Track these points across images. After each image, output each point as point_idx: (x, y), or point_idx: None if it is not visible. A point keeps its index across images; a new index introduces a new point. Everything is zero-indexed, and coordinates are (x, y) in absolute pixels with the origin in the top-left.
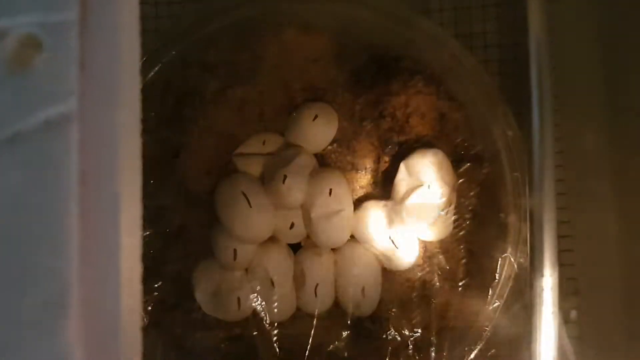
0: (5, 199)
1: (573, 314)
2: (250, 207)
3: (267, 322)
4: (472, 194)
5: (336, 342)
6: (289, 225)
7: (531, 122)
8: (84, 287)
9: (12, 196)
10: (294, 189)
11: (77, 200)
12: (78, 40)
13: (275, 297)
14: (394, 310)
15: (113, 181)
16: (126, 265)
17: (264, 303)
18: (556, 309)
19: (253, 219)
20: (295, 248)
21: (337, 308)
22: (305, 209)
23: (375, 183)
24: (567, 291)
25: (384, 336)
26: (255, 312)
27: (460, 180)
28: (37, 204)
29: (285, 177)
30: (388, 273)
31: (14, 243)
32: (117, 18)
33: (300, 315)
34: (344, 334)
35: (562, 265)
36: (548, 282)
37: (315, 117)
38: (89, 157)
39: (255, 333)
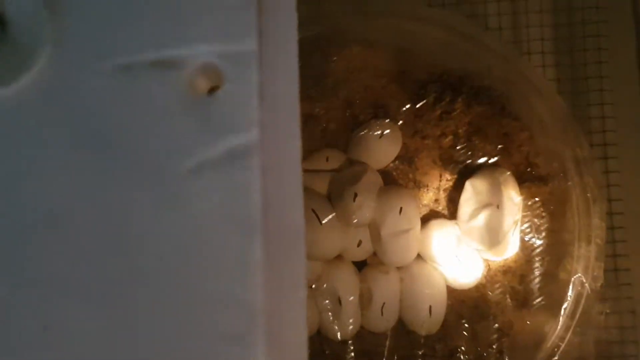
0: (192, 228)
1: None
2: (321, 224)
3: (339, 339)
4: (541, 214)
5: None
6: (356, 242)
7: None
8: (269, 319)
9: (199, 225)
10: (364, 207)
11: (261, 229)
12: (257, 70)
13: (342, 315)
14: (461, 329)
15: (295, 211)
16: (304, 294)
17: (332, 320)
18: None
19: (323, 236)
20: (358, 265)
21: (400, 326)
22: (375, 227)
23: (437, 201)
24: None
25: (453, 355)
26: (320, 330)
27: (532, 201)
28: (222, 233)
29: (355, 195)
30: (453, 291)
31: (201, 271)
32: (291, 47)
33: (363, 333)
34: (415, 353)
35: (621, 285)
36: None
37: (382, 134)
38: (272, 186)
39: (327, 352)
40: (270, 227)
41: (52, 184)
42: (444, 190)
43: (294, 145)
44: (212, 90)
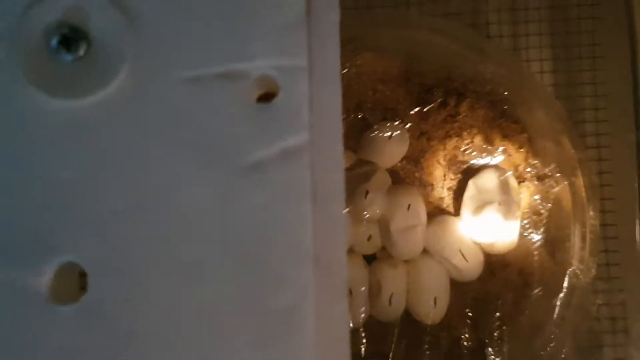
0: (253, 216)
1: None
2: None
3: (350, 327)
4: (539, 211)
5: (413, 349)
6: (366, 237)
7: None
8: (317, 295)
9: (258, 213)
10: (375, 204)
11: (311, 217)
12: (307, 81)
13: (353, 305)
14: (464, 318)
15: (339, 202)
16: (345, 274)
17: None
18: None
19: None
20: (368, 258)
21: (407, 315)
22: (384, 223)
23: (442, 199)
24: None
25: (456, 343)
26: None
27: (531, 199)
28: (278, 221)
29: (367, 192)
30: (456, 284)
31: (260, 253)
32: (334, 62)
33: (372, 322)
34: (421, 340)
35: (612, 278)
36: None
37: (390, 136)
38: (319, 181)
39: None
40: (317, 216)
41: (133, 179)
42: (449, 188)
43: (337, 145)
44: (266, 96)
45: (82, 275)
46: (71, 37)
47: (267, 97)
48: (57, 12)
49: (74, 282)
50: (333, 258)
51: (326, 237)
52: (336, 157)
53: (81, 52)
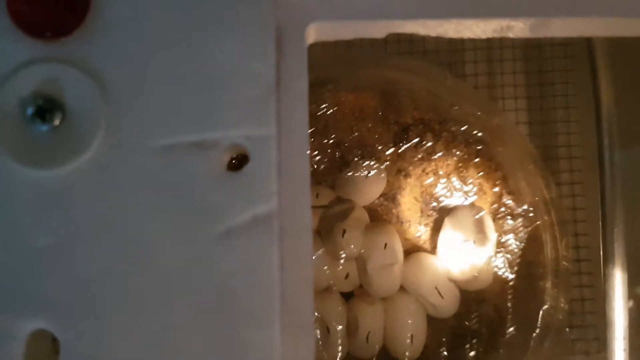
0: (222, 282)
1: None
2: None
3: None
4: (513, 249)
5: None
6: (344, 275)
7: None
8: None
9: (227, 279)
10: (352, 242)
11: (278, 283)
12: (276, 150)
13: (330, 343)
14: (440, 356)
15: (306, 268)
16: (313, 339)
17: (321, 348)
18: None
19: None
20: (345, 296)
21: (384, 353)
22: (361, 261)
23: (418, 236)
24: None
25: None
26: None
27: (505, 237)
28: (246, 287)
29: (344, 231)
30: (433, 320)
31: (228, 318)
32: (302, 129)
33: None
34: None
35: (586, 314)
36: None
37: (368, 174)
38: (287, 247)
39: None
40: (285, 282)
41: (106, 246)
42: (425, 225)
43: (306, 212)
44: (234, 160)
45: (55, 341)
46: (46, 108)
47: (236, 160)
48: (33, 83)
49: (47, 349)
50: (300, 323)
51: (294, 303)
52: (304, 223)
53: (56, 122)
